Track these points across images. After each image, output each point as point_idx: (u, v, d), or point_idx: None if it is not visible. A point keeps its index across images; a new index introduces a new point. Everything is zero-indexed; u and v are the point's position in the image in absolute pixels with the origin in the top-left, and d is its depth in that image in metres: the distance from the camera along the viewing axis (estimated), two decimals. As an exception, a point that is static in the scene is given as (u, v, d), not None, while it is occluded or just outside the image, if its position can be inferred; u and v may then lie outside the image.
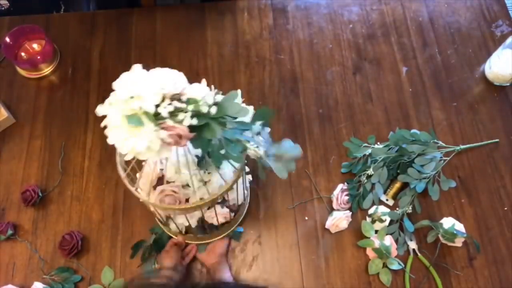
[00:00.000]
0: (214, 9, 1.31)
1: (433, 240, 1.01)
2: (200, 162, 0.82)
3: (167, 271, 0.93)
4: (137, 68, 0.64)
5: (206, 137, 0.65)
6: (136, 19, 1.30)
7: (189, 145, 0.80)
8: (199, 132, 0.65)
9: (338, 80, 1.21)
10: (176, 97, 0.64)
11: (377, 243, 0.99)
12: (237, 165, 0.76)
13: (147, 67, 0.65)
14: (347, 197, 1.03)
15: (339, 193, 1.03)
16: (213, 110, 0.65)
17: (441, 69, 1.23)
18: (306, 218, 1.05)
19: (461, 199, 1.07)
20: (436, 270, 1.00)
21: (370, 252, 1.00)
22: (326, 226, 1.03)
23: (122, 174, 0.78)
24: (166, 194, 0.83)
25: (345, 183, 1.06)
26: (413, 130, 1.12)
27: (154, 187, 0.84)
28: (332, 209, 1.05)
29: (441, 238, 1.01)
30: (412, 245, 1.01)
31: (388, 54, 1.25)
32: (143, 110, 0.61)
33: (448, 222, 1.01)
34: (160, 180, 0.86)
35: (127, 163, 0.79)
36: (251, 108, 0.71)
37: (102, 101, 0.58)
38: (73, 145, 1.13)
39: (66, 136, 1.15)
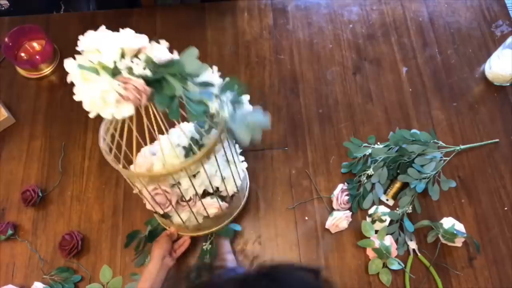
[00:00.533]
0: (214, 9, 1.31)
1: (433, 240, 1.01)
2: (187, 154, 0.82)
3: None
4: (102, 27, 0.67)
5: (166, 94, 0.66)
6: (136, 19, 1.30)
7: (174, 134, 0.82)
8: (158, 89, 0.66)
9: (338, 80, 1.21)
10: (136, 55, 0.66)
11: (377, 243, 0.99)
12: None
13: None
14: (347, 197, 1.03)
15: (339, 193, 1.03)
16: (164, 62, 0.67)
17: (441, 69, 1.23)
18: (306, 218, 1.05)
19: (461, 199, 1.07)
20: (436, 270, 1.00)
21: (370, 252, 1.00)
22: (326, 226, 1.03)
23: (101, 143, 0.77)
24: (157, 193, 0.83)
25: (345, 183, 1.06)
26: (413, 130, 1.12)
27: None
28: (332, 209, 1.05)
29: (441, 238, 1.01)
30: (412, 245, 1.01)
31: (388, 54, 1.25)
32: (102, 64, 0.64)
33: (448, 222, 1.01)
34: None
35: (112, 141, 0.78)
36: (209, 68, 0.73)
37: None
38: (73, 145, 1.14)
39: (66, 136, 1.15)
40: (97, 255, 1.02)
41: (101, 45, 0.65)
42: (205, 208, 0.90)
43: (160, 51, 0.69)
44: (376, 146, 1.10)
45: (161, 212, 0.89)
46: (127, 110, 0.67)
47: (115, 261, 1.01)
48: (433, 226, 1.00)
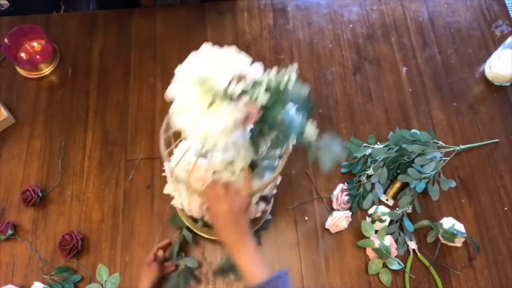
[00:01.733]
0: (214, 9, 1.31)
1: (433, 240, 1.01)
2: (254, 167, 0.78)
3: None
4: (207, 47, 0.63)
5: (272, 115, 0.64)
6: (136, 19, 1.30)
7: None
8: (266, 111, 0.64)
9: (338, 80, 1.21)
10: (241, 78, 0.63)
11: (377, 243, 0.99)
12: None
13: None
14: (347, 197, 1.03)
15: (339, 193, 1.03)
16: (290, 86, 0.64)
17: (441, 69, 1.23)
18: (306, 218, 1.05)
19: (461, 199, 1.07)
20: (436, 270, 1.00)
21: (370, 252, 1.00)
22: (326, 226, 1.03)
23: (163, 152, 0.75)
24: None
25: (345, 183, 1.06)
26: (413, 130, 1.12)
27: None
28: (332, 209, 1.05)
29: (441, 238, 1.01)
30: (412, 245, 1.01)
31: (388, 54, 1.25)
32: (215, 90, 0.60)
33: (448, 222, 1.01)
34: None
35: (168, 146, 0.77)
36: (306, 87, 0.70)
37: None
38: (73, 145, 1.14)
39: (66, 136, 1.15)
40: (97, 255, 1.02)
41: (216, 70, 0.61)
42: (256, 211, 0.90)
43: (257, 71, 0.65)
44: (376, 146, 1.10)
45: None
46: (231, 136, 0.65)
47: (115, 261, 1.01)
48: (433, 226, 1.00)
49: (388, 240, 1.00)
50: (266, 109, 0.64)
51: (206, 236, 0.99)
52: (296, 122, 0.67)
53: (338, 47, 1.26)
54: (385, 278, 0.98)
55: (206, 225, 0.94)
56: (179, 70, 0.62)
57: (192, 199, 0.85)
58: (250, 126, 0.65)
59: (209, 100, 0.60)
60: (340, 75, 1.22)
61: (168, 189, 0.93)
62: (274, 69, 0.66)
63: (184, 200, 0.87)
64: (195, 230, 1.00)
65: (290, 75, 0.65)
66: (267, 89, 0.63)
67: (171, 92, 0.63)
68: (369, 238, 1.01)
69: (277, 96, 0.64)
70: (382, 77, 1.22)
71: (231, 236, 0.74)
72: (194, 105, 0.61)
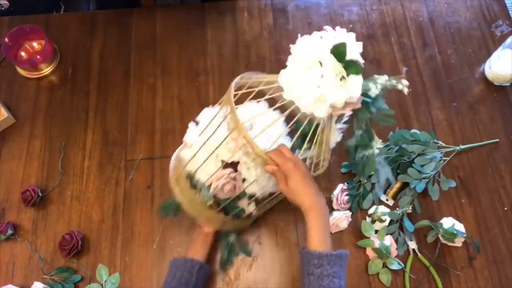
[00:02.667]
0: (214, 9, 1.31)
1: (433, 240, 1.01)
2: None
3: None
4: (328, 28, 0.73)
5: (365, 114, 0.75)
6: (136, 19, 1.30)
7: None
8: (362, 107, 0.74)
9: (338, 80, 1.21)
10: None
11: (377, 243, 0.99)
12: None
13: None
14: (347, 197, 1.03)
15: (339, 193, 1.03)
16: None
17: (441, 69, 1.23)
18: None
19: (461, 199, 1.07)
20: (436, 270, 1.00)
21: (370, 252, 1.00)
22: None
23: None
24: (225, 183, 0.82)
25: (345, 183, 1.06)
26: (413, 130, 1.12)
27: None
28: (332, 209, 1.05)
29: (441, 238, 1.01)
30: (412, 245, 1.01)
31: (388, 54, 1.25)
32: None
33: (448, 222, 1.01)
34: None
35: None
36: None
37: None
38: (73, 145, 1.14)
39: (66, 136, 1.15)
40: (97, 255, 1.02)
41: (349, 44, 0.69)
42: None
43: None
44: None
45: (231, 196, 0.85)
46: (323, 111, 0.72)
47: (115, 261, 1.01)
48: (433, 226, 1.00)
49: (388, 240, 1.00)
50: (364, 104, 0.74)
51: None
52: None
53: (338, 47, 1.26)
54: (385, 278, 0.98)
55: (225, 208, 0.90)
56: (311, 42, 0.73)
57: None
58: (349, 112, 0.74)
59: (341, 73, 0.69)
60: (340, 75, 1.22)
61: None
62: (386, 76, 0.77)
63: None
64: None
65: (401, 83, 0.76)
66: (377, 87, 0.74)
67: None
68: (369, 238, 1.01)
69: (376, 97, 0.75)
70: (382, 77, 1.22)
71: (308, 196, 0.73)
72: (328, 75, 0.69)
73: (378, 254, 0.98)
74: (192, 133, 0.88)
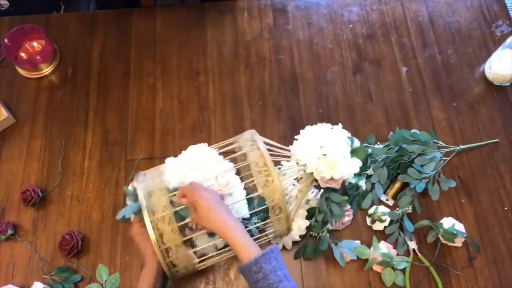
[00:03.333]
0: (214, 9, 1.31)
1: (433, 240, 1.01)
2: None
3: None
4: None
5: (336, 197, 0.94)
6: (136, 19, 1.30)
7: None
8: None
9: (338, 80, 1.21)
10: None
11: (378, 257, 0.98)
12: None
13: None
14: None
15: None
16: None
17: (441, 69, 1.23)
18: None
19: (461, 199, 1.07)
20: (436, 270, 1.00)
21: (377, 268, 0.99)
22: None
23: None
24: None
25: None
26: (413, 130, 1.12)
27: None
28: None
29: (441, 238, 1.01)
30: (412, 245, 1.01)
31: (388, 54, 1.25)
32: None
33: (448, 222, 1.01)
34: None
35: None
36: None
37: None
38: (73, 145, 1.14)
39: (66, 136, 1.15)
40: (97, 255, 1.02)
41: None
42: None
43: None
44: (376, 146, 1.10)
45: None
46: None
47: (115, 261, 1.01)
48: (433, 226, 1.00)
49: (385, 247, 0.99)
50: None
51: None
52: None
53: (338, 47, 1.26)
54: (388, 278, 0.97)
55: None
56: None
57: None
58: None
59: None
60: (340, 75, 1.22)
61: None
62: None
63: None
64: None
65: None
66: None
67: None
68: (367, 259, 1.00)
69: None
70: (382, 77, 1.22)
71: (218, 218, 0.77)
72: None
73: (385, 265, 0.97)
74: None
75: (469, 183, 1.09)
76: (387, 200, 1.06)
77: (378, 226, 1.02)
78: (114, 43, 1.26)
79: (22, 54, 1.23)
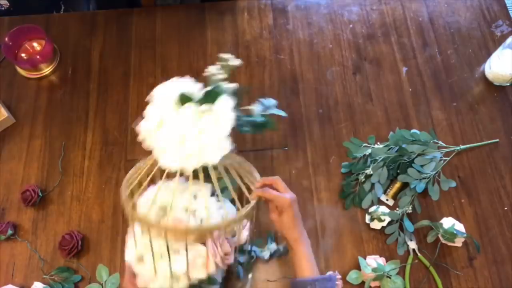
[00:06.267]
0: (214, 9, 1.31)
1: (433, 240, 1.01)
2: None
3: None
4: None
5: None
6: (136, 19, 1.30)
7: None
8: None
9: (338, 80, 1.21)
10: None
11: (371, 273, 0.97)
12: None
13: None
14: None
15: None
16: None
17: (441, 69, 1.23)
18: (306, 218, 1.05)
19: (461, 199, 1.07)
20: (436, 270, 1.00)
21: (375, 283, 0.98)
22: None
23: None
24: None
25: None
26: (413, 130, 1.12)
27: None
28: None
29: (441, 238, 1.01)
30: (412, 245, 1.01)
31: (388, 54, 1.25)
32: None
33: (448, 222, 1.01)
34: None
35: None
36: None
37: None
38: (73, 145, 1.14)
39: (66, 136, 1.15)
40: (97, 255, 1.02)
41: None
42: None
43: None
44: (376, 146, 1.10)
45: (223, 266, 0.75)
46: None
47: (115, 261, 1.01)
48: (433, 226, 1.00)
49: (373, 261, 0.98)
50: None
51: None
52: None
53: (338, 47, 1.26)
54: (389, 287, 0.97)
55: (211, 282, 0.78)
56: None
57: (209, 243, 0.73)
58: None
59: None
60: (340, 75, 1.22)
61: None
62: None
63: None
64: None
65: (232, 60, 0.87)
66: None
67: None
68: (363, 281, 0.98)
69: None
70: (382, 77, 1.22)
71: (298, 230, 0.80)
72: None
73: (380, 279, 0.96)
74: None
75: (469, 183, 1.09)
76: (387, 200, 1.06)
77: (376, 225, 1.02)
78: (114, 43, 1.26)
79: (22, 54, 1.23)
